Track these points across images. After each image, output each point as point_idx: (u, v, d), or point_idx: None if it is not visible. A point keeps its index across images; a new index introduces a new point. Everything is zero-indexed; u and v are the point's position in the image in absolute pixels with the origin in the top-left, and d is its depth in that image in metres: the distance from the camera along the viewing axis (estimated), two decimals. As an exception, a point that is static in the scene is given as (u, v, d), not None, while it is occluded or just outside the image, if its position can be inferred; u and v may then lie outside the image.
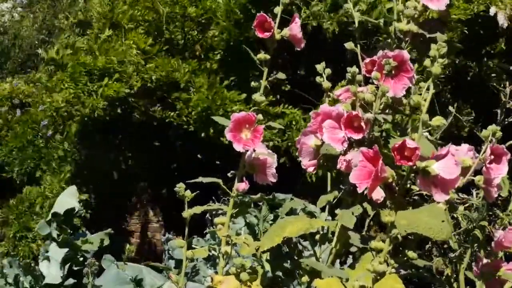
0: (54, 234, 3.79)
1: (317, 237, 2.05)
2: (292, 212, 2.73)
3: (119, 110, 4.98)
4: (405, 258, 1.85)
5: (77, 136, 5.32)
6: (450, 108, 3.64)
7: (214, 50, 5.03)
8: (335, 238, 1.96)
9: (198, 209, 2.00)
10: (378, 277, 1.75)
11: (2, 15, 9.10)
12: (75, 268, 3.80)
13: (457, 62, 4.63)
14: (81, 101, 4.91)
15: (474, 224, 2.23)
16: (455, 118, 4.09)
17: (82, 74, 4.95)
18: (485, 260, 1.96)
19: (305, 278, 2.02)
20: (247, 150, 1.90)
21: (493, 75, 4.67)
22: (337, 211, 1.91)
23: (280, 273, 2.19)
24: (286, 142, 4.78)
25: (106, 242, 3.85)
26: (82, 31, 5.80)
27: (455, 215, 2.65)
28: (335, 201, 1.96)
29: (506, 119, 4.24)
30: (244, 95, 4.80)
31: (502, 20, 4.41)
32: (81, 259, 3.77)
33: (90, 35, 5.31)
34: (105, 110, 4.87)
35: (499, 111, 4.26)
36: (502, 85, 4.36)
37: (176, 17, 5.08)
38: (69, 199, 3.93)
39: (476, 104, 4.72)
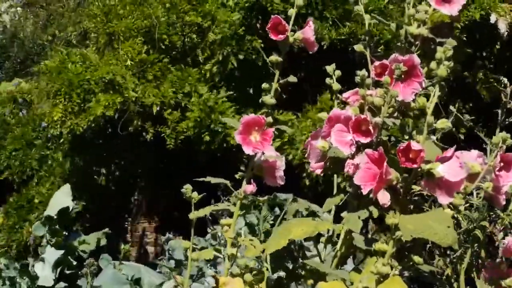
0: (48, 237, 3.78)
1: (322, 239, 2.04)
2: (297, 213, 2.72)
3: (115, 118, 4.98)
4: (411, 263, 1.84)
5: (75, 140, 5.31)
6: (451, 107, 3.64)
7: (213, 58, 5.03)
8: (340, 241, 1.95)
9: (204, 211, 1.99)
10: (382, 279, 1.74)
11: (5, 13, 9.06)
12: (68, 272, 3.79)
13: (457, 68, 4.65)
14: (76, 114, 4.90)
15: (475, 224, 2.22)
16: (455, 118, 4.09)
17: (78, 86, 4.94)
18: (493, 267, 1.96)
19: (310, 281, 2.02)
20: (256, 153, 1.90)
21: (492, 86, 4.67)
22: (343, 214, 1.90)
23: (283, 275, 2.19)
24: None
25: (103, 242, 3.86)
26: (81, 39, 5.78)
27: (455, 215, 2.65)
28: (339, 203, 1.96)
29: (506, 120, 4.23)
30: (234, 107, 4.81)
31: (504, 28, 4.40)
32: (75, 262, 3.77)
33: (90, 47, 5.28)
34: (101, 122, 4.87)
35: (499, 111, 4.26)
36: (502, 85, 4.36)
37: (175, 23, 5.07)
38: (63, 198, 3.92)
39: (476, 104, 4.74)
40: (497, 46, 4.70)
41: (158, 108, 4.89)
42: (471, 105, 4.72)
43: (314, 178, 4.75)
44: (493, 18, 4.48)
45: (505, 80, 4.48)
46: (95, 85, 4.91)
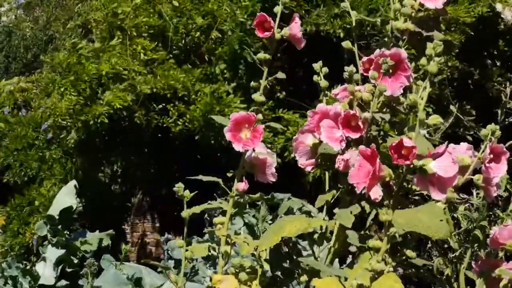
0: (49, 236, 3.79)
1: (316, 236, 2.05)
2: (289, 211, 2.72)
3: (123, 115, 4.98)
4: (404, 257, 1.84)
5: (77, 141, 5.31)
6: (452, 107, 3.63)
7: (217, 54, 5.03)
8: (333, 237, 1.96)
9: (197, 209, 2.00)
10: (376, 276, 1.74)
11: (6, 15, 9.09)
12: (69, 270, 3.81)
13: (459, 66, 4.61)
14: (83, 109, 4.90)
15: (474, 224, 2.22)
16: (457, 119, 4.08)
17: (86, 81, 4.94)
18: (484, 259, 1.96)
19: (304, 278, 2.02)
20: (247, 150, 1.91)
21: (495, 85, 4.63)
22: (336, 210, 1.90)
23: (279, 273, 2.18)
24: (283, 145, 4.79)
25: (106, 242, 3.87)
26: (84, 34, 5.78)
27: (455, 215, 2.65)
28: (333, 200, 1.96)
29: (506, 119, 4.23)
30: (240, 100, 4.80)
31: (509, 16, 4.36)
32: (76, 261, 3.78)
33: (96, 40, 5.28)
34: (107, 118, 4.87)
35: (499, 111, 4.25)
36: (503, 86, 4.35)
37: (180, 21, 5.07)
38: (67, 198, 3.93)
39: (477, 104, 4.72)
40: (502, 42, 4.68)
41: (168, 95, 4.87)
42: (472, 103, 4.70)
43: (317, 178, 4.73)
44: (498, 7, 4.44)
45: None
46: (103, 81, 4.90)
